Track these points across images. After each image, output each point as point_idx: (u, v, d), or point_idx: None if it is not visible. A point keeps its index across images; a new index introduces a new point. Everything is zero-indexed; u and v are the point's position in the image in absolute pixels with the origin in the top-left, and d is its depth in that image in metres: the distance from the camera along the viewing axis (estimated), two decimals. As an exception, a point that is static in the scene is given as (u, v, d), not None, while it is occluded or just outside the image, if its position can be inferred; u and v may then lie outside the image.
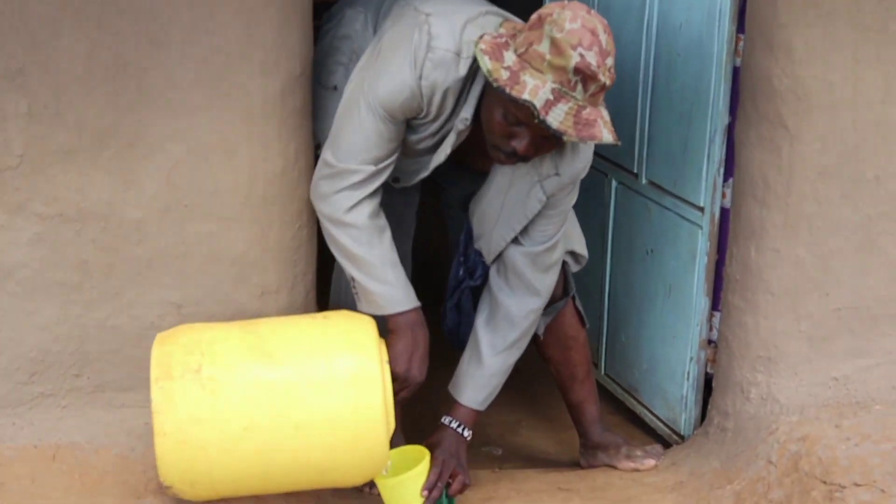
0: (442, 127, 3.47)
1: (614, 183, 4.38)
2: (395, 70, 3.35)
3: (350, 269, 3.46)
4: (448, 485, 3.56)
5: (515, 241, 3.65)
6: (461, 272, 3.91)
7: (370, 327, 3.38)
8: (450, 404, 3.74)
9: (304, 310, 3.69)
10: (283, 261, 3.62)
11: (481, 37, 3.24)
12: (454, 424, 3.67)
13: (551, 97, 3.09)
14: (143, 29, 3.32)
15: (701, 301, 3.98)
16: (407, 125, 3.49)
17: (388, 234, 3.48)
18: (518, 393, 4.69)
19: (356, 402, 3.25)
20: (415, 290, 3.71)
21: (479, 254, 3.78)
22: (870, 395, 3.87)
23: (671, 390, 4.18)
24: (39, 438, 3.52)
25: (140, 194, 3.45)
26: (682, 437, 4.14)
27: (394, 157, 3.46)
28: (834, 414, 3.78)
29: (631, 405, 4.45)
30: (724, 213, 3.91)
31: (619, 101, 4.13)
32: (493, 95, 3.25)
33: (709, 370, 4.07)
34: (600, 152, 4.30)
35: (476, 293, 3.87)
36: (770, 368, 3.87)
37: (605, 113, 3.21)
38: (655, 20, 4.02)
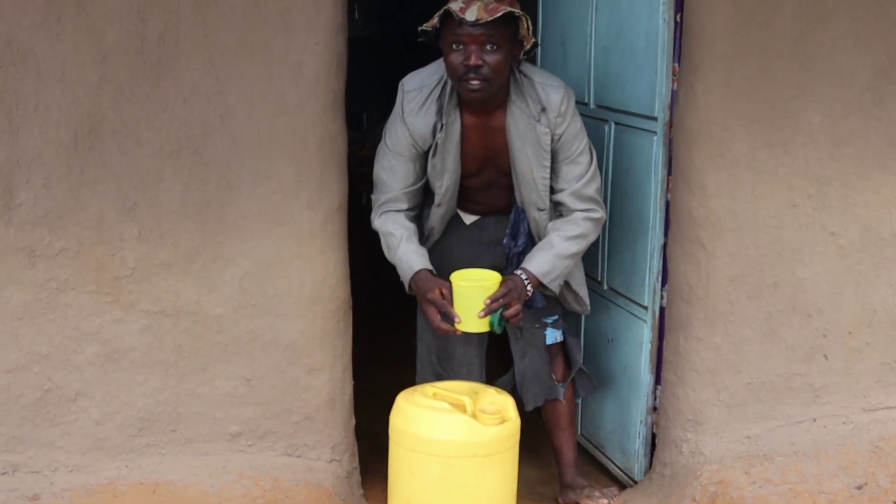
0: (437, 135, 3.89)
1: (586, 289, 4.63)
2: (392, 120, 3.91)
3: (387, 254, 3.90)
4: (505, 309, 3.73)
5: (558, 190, 3.93)
6: (506, 240, 4.10)
7: None
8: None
9: (342, 382, 3.95)
10: (325, 345, 3.92)
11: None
12: (523, 276, 3.82)
13: (463, 5, 3.64)
14: (222, 176, 3.74)
15: (647, 377, 4.26)
16: (425, 156, 3.92)
17: (403, 233, 3.88)
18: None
19: None
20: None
21: (522, 215, 4.02)
22: (773, 449, 4.10)
23: (627, 446, 4.44)
24: (144, 477, 3.83)
25: (219, 296, 3.82)
26: (634, 482, 4.38)
27: (408, 189, 3.93)
28: (745, 464, 4.04)
29: (599, 458, 4.68)
30: (662, 310, 4.20)
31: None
32: (444, 46, 3.72)
33: (654, 430, 4.31)
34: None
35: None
36: (697, 429, 4.11)
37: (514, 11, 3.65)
38: (611, 168, 4.37)
